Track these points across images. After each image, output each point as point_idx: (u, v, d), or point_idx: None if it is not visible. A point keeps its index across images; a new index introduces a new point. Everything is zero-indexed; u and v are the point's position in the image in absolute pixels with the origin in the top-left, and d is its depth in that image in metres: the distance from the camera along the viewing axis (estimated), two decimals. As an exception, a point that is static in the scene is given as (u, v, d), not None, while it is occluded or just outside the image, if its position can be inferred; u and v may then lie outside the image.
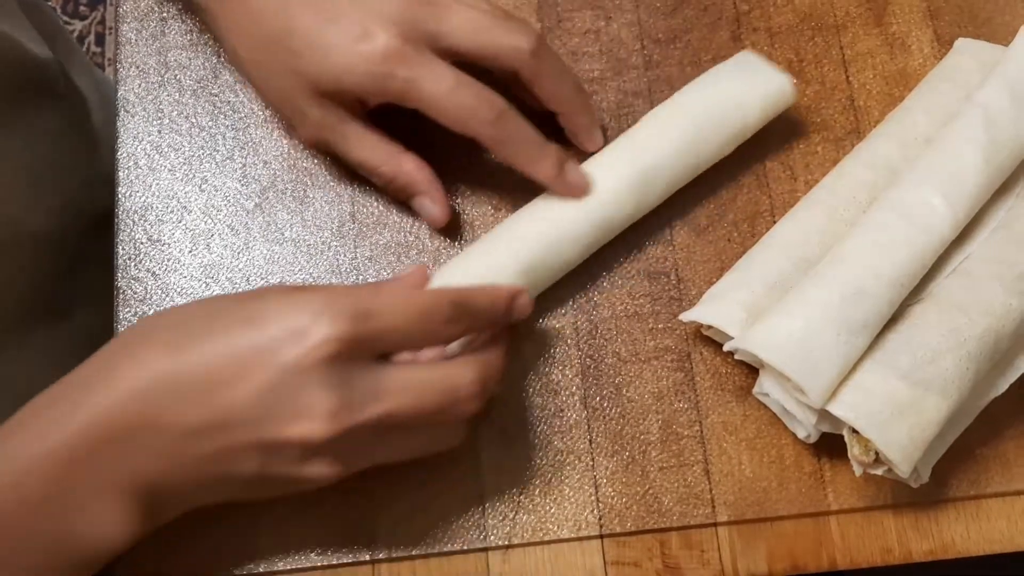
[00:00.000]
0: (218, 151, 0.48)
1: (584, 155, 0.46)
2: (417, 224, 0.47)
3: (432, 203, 0.45)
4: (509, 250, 0.43)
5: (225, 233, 0.47)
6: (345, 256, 0.47)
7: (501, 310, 0.40)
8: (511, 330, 0.42)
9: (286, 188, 0.48)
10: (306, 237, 0.47)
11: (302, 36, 0.42)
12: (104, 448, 0.35)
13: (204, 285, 0.46)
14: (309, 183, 0.48)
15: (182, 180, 0.48)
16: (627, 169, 0.44)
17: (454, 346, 0.41)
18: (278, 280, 0.47)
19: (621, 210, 0.44)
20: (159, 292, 0.46)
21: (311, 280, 0.47)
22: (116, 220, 0.47)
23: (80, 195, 0.55)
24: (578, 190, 0.43)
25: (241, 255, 0.47)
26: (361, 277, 0.47)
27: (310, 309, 0.35)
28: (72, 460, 0.35)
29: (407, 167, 0.44)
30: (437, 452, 0.40)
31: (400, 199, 0.46)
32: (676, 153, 0.45)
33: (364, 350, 0.36)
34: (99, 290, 0.50)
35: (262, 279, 0.47)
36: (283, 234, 0.47)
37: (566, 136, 0.47)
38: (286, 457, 0.36)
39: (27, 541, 0.35)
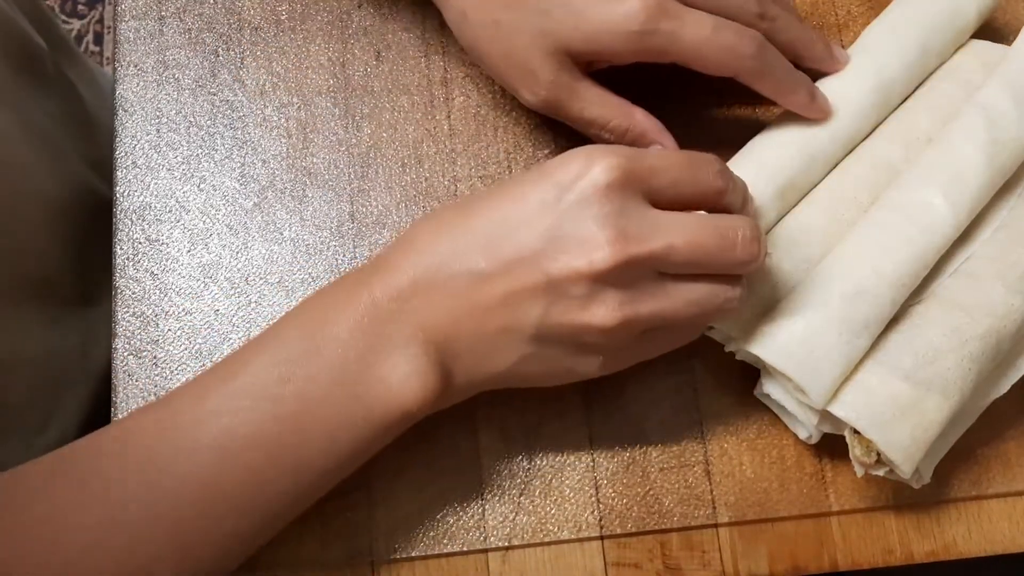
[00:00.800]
0: (216, 150, 0.48)
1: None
2: (417, 224, 0.47)
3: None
4: (764, 174, 0.44)
5: (224, 233, 0.47)
6: (344, 256, 0.47)
7: (748, 194, 0.41)
8: None
9: (285, 187, 0.48)
10: (305, 237, 0.47)
11: None
12: (401, 303, 0.37)
13: (203, 285, 0.46)
14: (308, 182, 0.48)
15: (180, 179, 0.48)
16: (867, 84, 0.46)
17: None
18: (277, 280, 0.46)
19: (865, 126, 0.46)
20: (157, 292, 0.46)
21: (311, 280, 0.46)
22: (114, 220, 0.47)
23: (86, 175, 0.56)
24: (827, 114, 0.45)
25: (240, 255, 0.47)
26: (360, 277, 0.46)
27: (586, 152, 0.37)
28: (372, 317, 0.37)
29: (638, 117, 0.44)
30: (715, 314, 0.39)
31: None
32: (909, 64, 0.46)
33: (638, 184, 0.37)
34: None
35: (261, 279, 0.46)
36: (282, 234, 0.47)
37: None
38: (571, 297, 0.36)
39: (330, 404, 0.37)
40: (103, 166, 0.48)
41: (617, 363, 0.40)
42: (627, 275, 0.36)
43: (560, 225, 0.36)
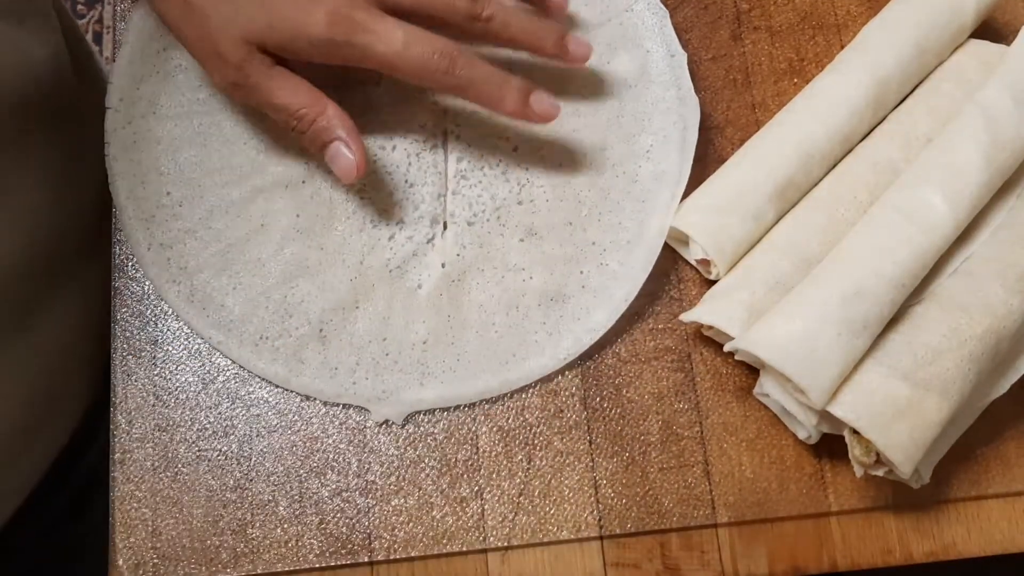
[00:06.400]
0: (216, 150, 0.48)
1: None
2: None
3: (349, 151, 0.43)
4: (763, 172, 0.44)
5: (223, 233, 0.47)
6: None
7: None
8: None
9: (284, 187, 0.48)
10: (305, 237, 0.47)
11: None
12: None
13: (202, 285, 0.46)
14: (308, 182, 0.48)
15: (180, 179, 0.48)
16: (862, 82, 0.46)
17: None
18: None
19: (861, 123, 0.46)
20: (156, 292, 0.46)
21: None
22: (114, 220, 0.47)
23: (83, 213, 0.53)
24: (547, 117, 0.44)
25: (239, 255, 0.47)
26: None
27: None
28: None
29: (330, 111, 0.43)
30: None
31: (313, 149, 0.44)
32: (904, 62, 0.46)
33: None
34: (73, 304, 0.50)
35: (260, 279, 0.46)
36: (281, 234, 0.47)
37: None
38: None
39: None
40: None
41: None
42: None
43: None
